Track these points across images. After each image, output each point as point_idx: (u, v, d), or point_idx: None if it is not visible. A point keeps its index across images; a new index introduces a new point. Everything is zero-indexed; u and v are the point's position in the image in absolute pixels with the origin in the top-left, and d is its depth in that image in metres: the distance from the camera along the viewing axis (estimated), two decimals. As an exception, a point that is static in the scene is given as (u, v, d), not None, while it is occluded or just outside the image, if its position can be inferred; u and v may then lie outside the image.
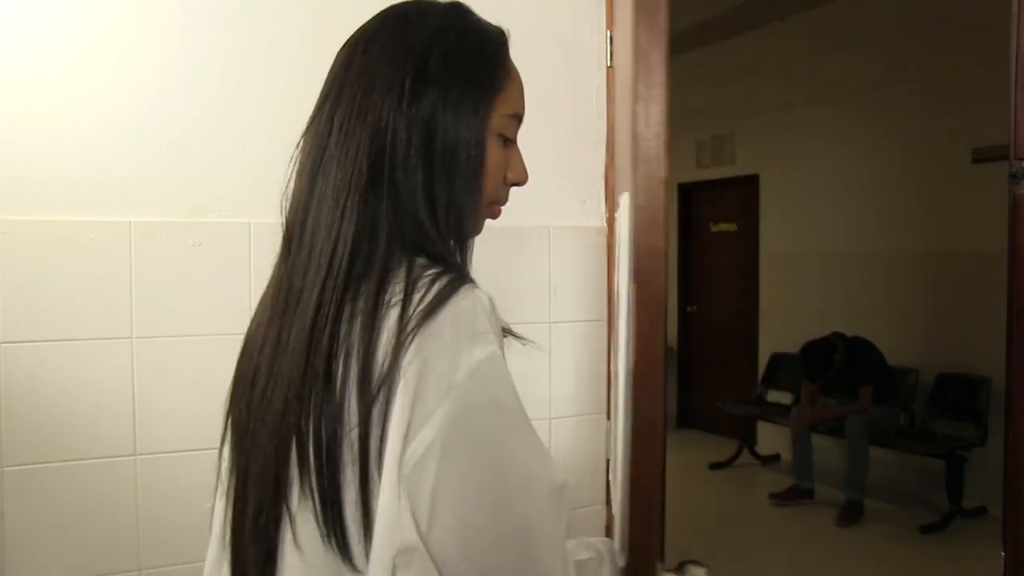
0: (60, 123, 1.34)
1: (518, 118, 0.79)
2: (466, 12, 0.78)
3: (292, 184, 0.79)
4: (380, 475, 0.63)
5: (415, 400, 0.63)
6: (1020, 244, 0.86)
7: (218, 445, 0.79)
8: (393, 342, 0.64)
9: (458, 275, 0.68)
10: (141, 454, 1.39)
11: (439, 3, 0.78)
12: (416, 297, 0.66)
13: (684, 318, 6.50)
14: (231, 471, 0.77)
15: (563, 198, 1.68)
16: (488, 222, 0.82)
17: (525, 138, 0.81)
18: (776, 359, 5.58)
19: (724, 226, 6.32)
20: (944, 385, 4.58)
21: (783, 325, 5.58)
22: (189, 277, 1.41)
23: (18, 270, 1.31)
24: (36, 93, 1.32)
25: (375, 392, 0.64)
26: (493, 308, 0.69)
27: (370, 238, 0.69)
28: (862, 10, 3.55)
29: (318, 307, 0.68)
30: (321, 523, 0.65)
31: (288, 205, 0.79)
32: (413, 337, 0.64)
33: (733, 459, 5.50)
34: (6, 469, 1.31)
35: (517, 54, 0.81)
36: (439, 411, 0.63)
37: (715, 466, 5.46)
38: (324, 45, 1.49)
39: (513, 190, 0.83)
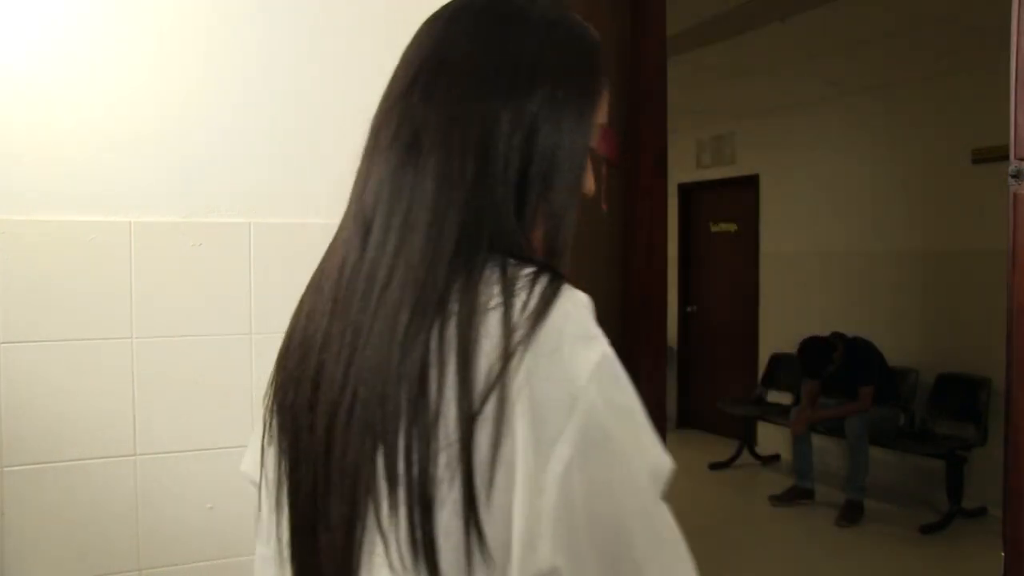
0: (60, 123, 1.34)
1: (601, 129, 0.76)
2: (567, 7, 0.73)
3: (370, 159, 0.70)
4: (490, 497, 0.58)
5: (540, 416, 0.58)
6: (1020, 244, 0.86)
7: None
8: (499, 351, 0.59)
9: (555, 274, 0.64)
10: (141, 454, 1.39)
11: None
12: (518, 301, 0.61)
13: (684, 318, 6.50)
14: (282, 481, 0.69)
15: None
16: None
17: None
18: (776, 359, 5.58)
19: (724, 226, 6.32)
20: (944, 385, 4.58)
21: (783, 325, 5.58)
22: (189, 277, 1.41)
23: (18, 270, 1.31)
24: (37, 94, 1.32)
25: (479, 405, 0.59)
26: (592, 305, 0.65)
27: (472, 237, 0.64)
28: (862, 10, 3.55)
29: (413, 307, 0.62)
30: (407, 544, 0.60)
31: (363, 183, 0.70)
32: (524, 346, 0.59)
33: (733, 459, 5.50)
34: (6, 469, 1.31)
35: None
36: (570, 425, 0.58)
37: (715, 466, 5.45)
38: (323, 47, 1.50)
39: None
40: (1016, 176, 0.89)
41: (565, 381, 0.59)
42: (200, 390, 1.42)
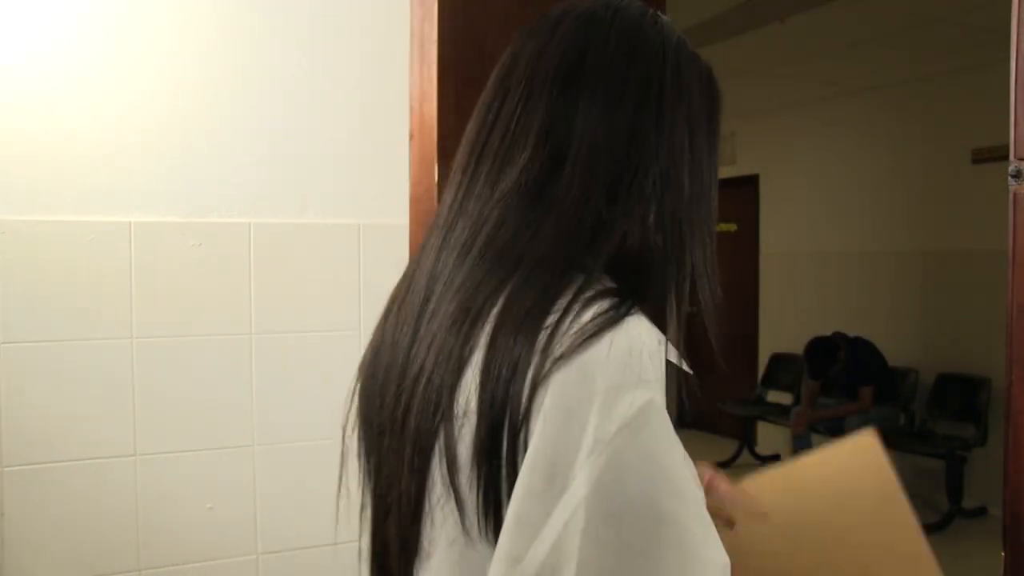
0: (61, 124, 1.34)
1: None
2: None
3: (472, 167, 0.65)
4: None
5: (555, 454, 0.52)
6: (1020, 244, 0.86)
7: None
8: (532, 374, 0.53)
9: (619, 300, 0.57)
10: (141, 454, 1.39)
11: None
12: (566, 322, 0.55)
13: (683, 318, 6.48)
14: (366, 500, 0.69)
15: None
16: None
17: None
18: (776, 359, 5.58)
19: (724, 226, 6.32)
20: (944, 385, 4.58)
21: (783, 325, 5.57)
22: (189, 277, 1.41)
23: (18, 270, 1.31)
24: (37, 95, 1.32)
25: (517, 430, 0.54)
26: (659, 346, 0.57)
27: (578, 260, 0.60)
28: (862, 10, 3.55)
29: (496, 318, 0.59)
30: (483, 509, 0.56)
31: (456, 191, 0.66)
32: (554, 372, 0.53)
33: (733, 459, 5.50)
34: (6, 469, 1.31)
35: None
36: (583, 472, 0.51)
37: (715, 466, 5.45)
38: (324, 48, 1.49)
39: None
40: (1016, 176, 0.89)
41: (594, 425, 0.52)
42: (200, 390, 1.42)
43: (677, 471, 0.55)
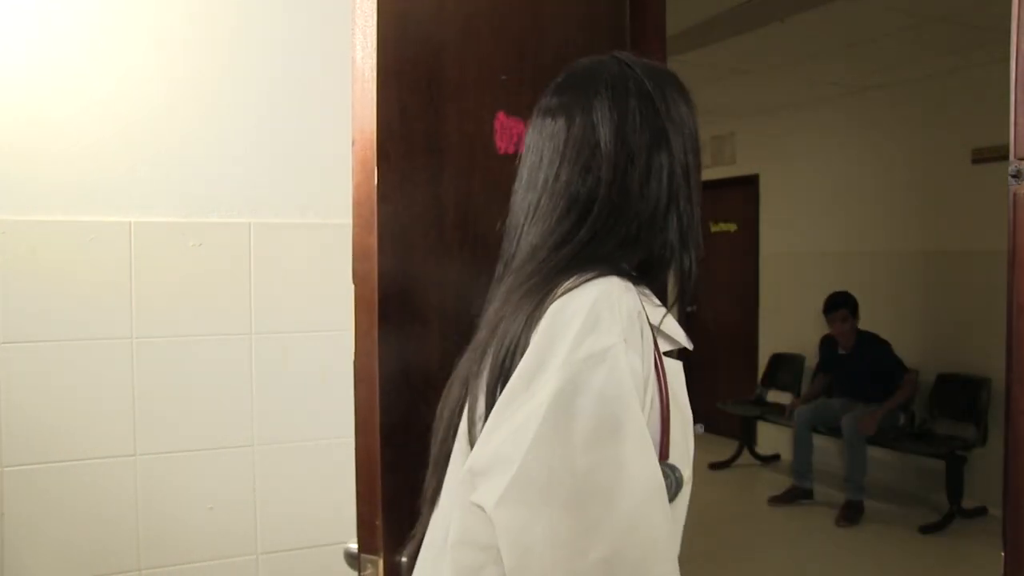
0: (60, 124, 1.34)
1: None
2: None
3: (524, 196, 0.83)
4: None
5: (535, 365, 0.68)
6: (1020, 244, 0.86)
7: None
8: (527, 322, 0.71)
9: (605, 270, 0.74)
10: (141, 454, 1.39)
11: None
12: (561, 288, 0.72)
13: (684, 318, 6.48)
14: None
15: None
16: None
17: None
18: (776, 359, 5.58)
19: (724, 226, 6.32)
20: (944, 385, 4.58)
21: (783, 325, 5.57)
22: (189, 277, 1.41)
23: (18, 270, 1.31)
24: (39, 96, 1.32)
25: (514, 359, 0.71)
26: (638, 307, 0.73)
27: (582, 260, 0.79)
28: (862, 10, 3.55)
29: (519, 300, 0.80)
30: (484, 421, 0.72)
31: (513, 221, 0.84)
32: (544, 314, 0.70)
33: (733, 459, 5.50)
34: (6, 469, 1.31)
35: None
36: (551, 380, 0.66)
37: (715, 466, 5.45)
38: (324, 48, 1.49)
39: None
40: (1016, 176, 0.89)
41: (564, 346, 0.67)
42: (200, 390, 1.42)
43: (625, 402, 0.67)
